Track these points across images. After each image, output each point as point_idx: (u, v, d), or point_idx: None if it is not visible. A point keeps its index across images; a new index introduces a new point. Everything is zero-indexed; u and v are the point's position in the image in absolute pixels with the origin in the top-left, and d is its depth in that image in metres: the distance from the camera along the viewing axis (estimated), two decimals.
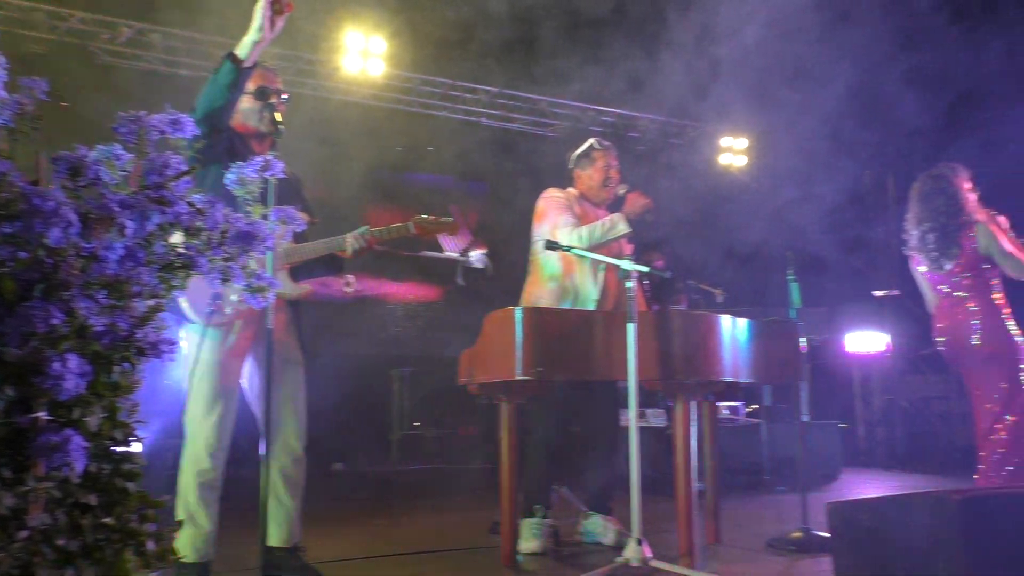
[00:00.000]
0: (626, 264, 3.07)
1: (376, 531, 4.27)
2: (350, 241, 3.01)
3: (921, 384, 9.27)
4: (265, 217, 1.73)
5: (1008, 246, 3.94)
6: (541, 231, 3.71)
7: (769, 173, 10.12)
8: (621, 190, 3.77)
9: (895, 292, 8.21)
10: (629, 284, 2.98)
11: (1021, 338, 3.94)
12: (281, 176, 1.94)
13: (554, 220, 3.68)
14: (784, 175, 9.90)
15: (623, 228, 3.59)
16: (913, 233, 4.20)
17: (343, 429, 6.88)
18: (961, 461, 7.29)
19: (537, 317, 3.02)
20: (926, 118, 6.98)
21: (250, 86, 2.88)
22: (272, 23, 2.65)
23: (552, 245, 3.38)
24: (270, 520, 2.66)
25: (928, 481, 6.45)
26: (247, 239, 1.55)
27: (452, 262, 3.71)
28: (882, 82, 6.73)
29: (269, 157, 1.85)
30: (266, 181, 1.89)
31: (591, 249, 3.50)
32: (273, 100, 2.87)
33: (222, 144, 2.77)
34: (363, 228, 3.06)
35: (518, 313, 2.98)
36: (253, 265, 1.62)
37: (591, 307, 3.62)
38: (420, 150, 8.95)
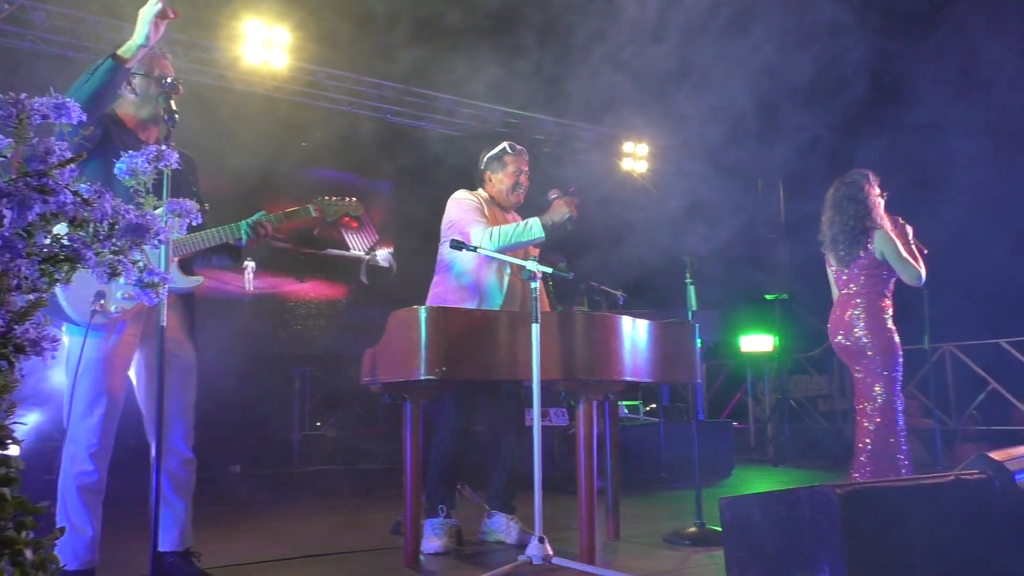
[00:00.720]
0: (531, 265, 3.10)
1: (275, 534, 4.16)
2: (245, 229, 2.92)
3: (808, 383, 9.75)
4: (158, 210, 1.65)
5: (904, 253, 4.19)
6: (450, 231, 3.69)
7: (669, 179, 10.42)
8: (552, 195, 3.69)
9: (784, 295, 8.58)
10: (534, 284, 3.01)
11: (898, 342, 4.19)
12: (176, 167, 1.85)
13: (465, 220, 3.66)
14: (683, 181, 10.22)
15: (538, 233, 3.54)
16: (827, 235, 4.41)
17: (241, 430, 6.68)
18: (845, 457, 7.70)
19: (442, 316, 3.01)
20: (818, 128, 7.35)
21: (140, 71, 2.76)
22: (157, 27, 2.56)
23: (458, 245, 3.38)
24: (160, 524, 2.55)
25: (814, 476, 6.76)
26: (138, 232, 1.48)
27: (356, 260, 3.65)
28: (777, 92, 7.02)
29: (163, 147, 1.77)
30: (160, 172, 1.81)
31: (503, 251, 3.51)
32: (166, 87, 2.75)
33: (95, 137, 2.63)
34: (259, 214, 2.97)
35: (423, 312, 2.97)
36: (143, 259, 1.55)
37: (496, 307, 3.63)
38: (324, 145, 8.77)
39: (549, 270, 3.16)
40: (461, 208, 3.72)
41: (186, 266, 2.91)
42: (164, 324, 2.44)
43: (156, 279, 1.56)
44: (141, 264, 1.53)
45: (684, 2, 6.26)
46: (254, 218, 2.96)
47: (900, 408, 4.14)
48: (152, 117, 2.86)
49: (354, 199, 3.23)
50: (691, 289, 4.02)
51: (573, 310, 3.57)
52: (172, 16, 2.57)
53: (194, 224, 2.22)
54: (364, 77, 8.72)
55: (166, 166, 2.09)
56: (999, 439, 7.58)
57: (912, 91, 7.45)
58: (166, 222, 2.08)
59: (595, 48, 7.01)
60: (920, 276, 4.18)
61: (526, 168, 3.86)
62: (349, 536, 3.94)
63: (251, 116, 7.87)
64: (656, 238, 9.06)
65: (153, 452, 2.53)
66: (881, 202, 4.34)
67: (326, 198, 3.15)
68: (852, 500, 2.15)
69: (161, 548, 2.74)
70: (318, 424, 8.14)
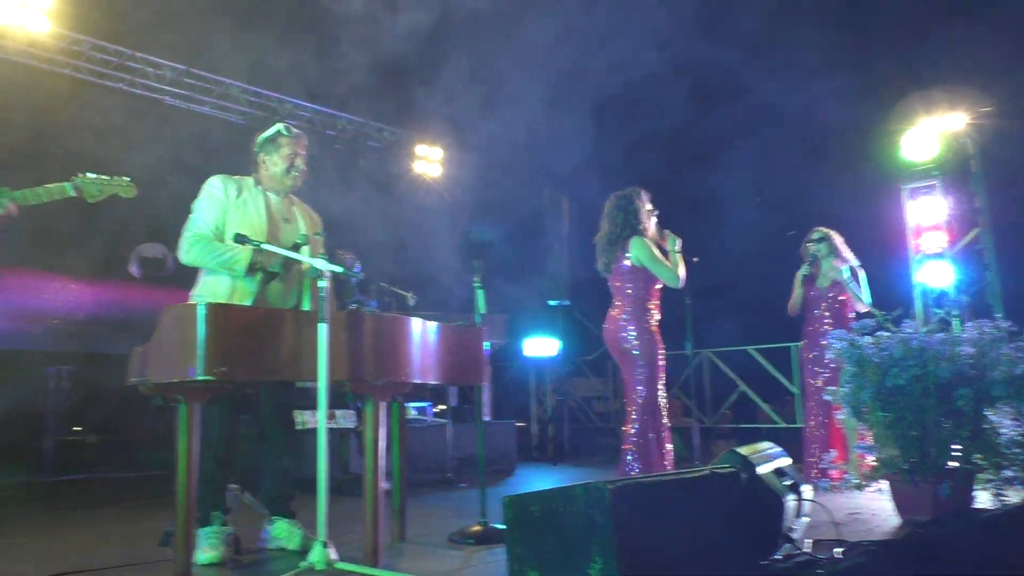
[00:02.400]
0: (319, 263, 3.02)
1: (19, 551, 3.71)
2: None
3: (585, 385, 10.32)
4: None
5: (658, 256, 4.54)
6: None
7: (460, 184, 10.60)
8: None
9: (566, 302, 9.02)
10: (322, 283, 2.94)
11: (661, 347, 4.54)
12: None
13: (194, 215, 3.47)
14: (474, 188, 10.45)
15: (239, 272, 3.37)
16: (599, 244, 4.69)
17: None
18: (618, 454, 8.22)
19: (222, 313, 2.85)
20: (604, 143, 7.81)
21: None
22: None
23: (241, 239, 3.24)
24: None
25: (590, 473, 7.14)
26: None
27: (124, 250, 3.36)
28: (567, 107, 7.38)
29: None
30: None
31: (193, 263, 3.43)
32: None
33: None
34: (1, 190, 2.63)
35: (201, 308, 2.79)
36: None
37: (248, 303, 3.44)
38: (89, 124, 7.99)
39: (340, 269, 3.09)
40: (200, 199, 3.50)
41: None
42: None
43: None
44: None
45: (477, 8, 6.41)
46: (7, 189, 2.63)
47: (662, 406, 4.49)
48: None
49: (126, 179, 2.95)
50: (480, 293, 4.11)
51: (363, 310, 3.52)
52: None
53: None
54: (140, 53, 8.08)
55: None
56: (747, 436, 8.47)
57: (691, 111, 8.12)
58: None
59: (394, 47, 6.98)
60: (678, 278, 4.55)
61: (303, 151, 3.68)
62: (110, 551, 3.61)
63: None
64: (446, 242, 9.19)
65: None
66: (652, 218, 4.69)
67: (90, 176, 2.84)
68: (622, 495, 2.29)
69: None
70: (76, 429, 7.39)
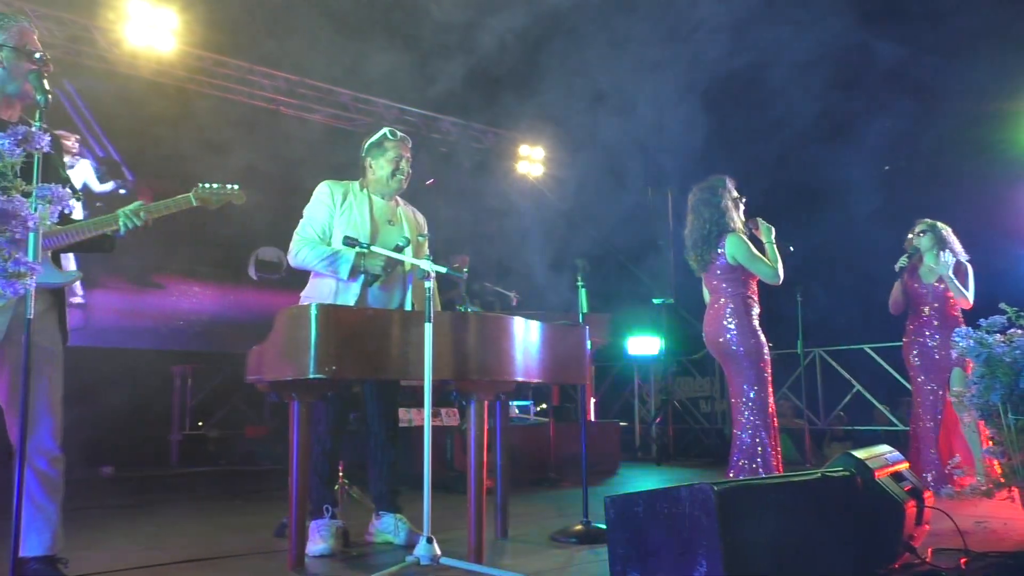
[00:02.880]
0: (425, 264, 3.09)
1: (149, 539, 3.97)
2: (123, 220, 2.81)
3: (691, 384, 10.12)
4: (27, 195, 1.55)
5: (755, 252, 4.40)
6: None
7: (563, 184, 10.60)
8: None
9: (671, 300, 8.87)
10: (428, 284, 3.00)
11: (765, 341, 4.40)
12: (47, 151, 1.75)
13: (304, 219, 3.66)
14: (576, 187, 10.42)
15: (342, 273, 3.50)
16: (688, 240, 4.57)
17: (115, 430, 6.35)
18: (724, 455, 8.03)
19: (332, 314, 2.95)
20: (705, 138, 7.63)
21: (9, 44, 2.59)
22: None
23: (350, 242, 3.37)
24: (26, 528, 2.46)
25: (695, 474, 7.01)
26: (3, 218, 1.39)
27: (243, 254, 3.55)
28: (669, 103, 7.26)
29: (33, 128, 1.66)
30: (29, 155, 1.70)
31: (301, 267, 3.59)
32: (38, 63, 2.59)
33: None
34: (136, 204, 2.85)
35: (313, 309, 2.90)
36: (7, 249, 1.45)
37: (351, 302, 3.54)
38: (210, 135, 8.45)
39: (443, 269, 3.15)
40: (311, 203, 3.70)
41: (59, 259, 2.78)
42: (30, 316, 2.28)
43: (23, 268, 1.47)
44: (5, 253, 1.44)
45: (587, 11, 6.39)
46: (131, 208, 2.84)
47: (771, 407, 4.34)
48: (18, 94, 2.69)
49: (236, 186, 3.13)
50: (582, 292, 4.10)
51: (466, 310, 3.58)
52: None
53: (66, 212, 2.10)
54: (257, 66, 8.47)
55: (37, 148, 1.97)
56: (863, 438, 8.10)
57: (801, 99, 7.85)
58: (35, 208, 1.97)
59: (497, 51, 7.04)
60: (776, 274, 4.38)
61: (407, 155, 3.79)
62: (231, 540, 3.80)
63: (128, 100, 7.52)
64: (549, 241, 9.20)
65: (17, 451, 2.38)
66: (739, 207, 4.54)
67: (207, 185, 3.04)
68: (728, 497, 2.24)
69: (27, 553, 2.59)
70: (199, 424, 7.83)
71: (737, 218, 4.48)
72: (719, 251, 4.40)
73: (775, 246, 4.44)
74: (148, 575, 3.06)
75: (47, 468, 2.66)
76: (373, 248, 3.42)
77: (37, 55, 2.62)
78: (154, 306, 7.96)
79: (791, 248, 4.54)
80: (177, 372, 7.38)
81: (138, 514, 4.76)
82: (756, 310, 4.44)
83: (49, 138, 2.10)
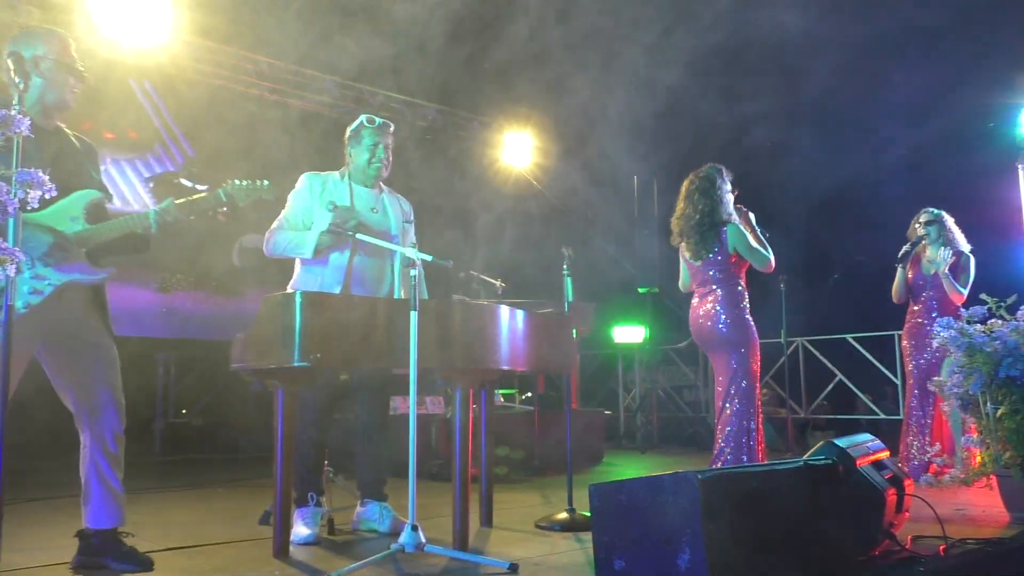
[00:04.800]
0: (409, 252, 3.08)
1: (131, 527, 3.94)
2: (155, 218, 2.89)
3: (675, 374, 10.17)
4: (7, 180, 1.53)
5: (754, 242, 4.42)
6: None
7: (549, 172, 10.59)
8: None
9: (656, 289, 8.89)
10: (413, 272, 2.99)
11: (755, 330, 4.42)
12: (28, 135, 1.73)
13: (284, 211, 3.67)
14: (563, 174, 10.42)
15: (306, 253, 3.53)
16: (679, 227, 4.58)
17: None
18: (708, 444, 8.08)
19: (317, 302, 2.94)
20: (692, 125, 7.64)
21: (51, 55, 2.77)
22: None
23: (335, 210, 3.39)
24: (94, 501, 2.79)
25: (679, 462, 7.05)
26: None
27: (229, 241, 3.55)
28: (654, 91, 7.25)
29: (12, 112, 1.64)
30: (8, 139, 1.68)
31: (275, 256, 3.62)
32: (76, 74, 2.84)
33: None
34: (167, 202, 2.92)
35: (298, 297, 2.89)
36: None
37: (336, 290, 3.55)
38: (192, 120, 8.37)
39: (429, 257, 3.14)
40: (290, 195, 3.70)
41: (94, 257, 2.85)
42: (9, 303, 2.23)
43: (3, 255, 1.45)
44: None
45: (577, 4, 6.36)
46: (162, 206, 2.92)
47: (757, 396, 4.37)
48: (57, 104, 2.83)
49: (266, 182, 3.12)
50: (568, 280, 4.10)
51: (451, 298, 3.57)
52: None
53: (47, 197, 2.09)
54: (237, 50, 8.39)
55: (16, 132, 1.95)
56: (844, 427, 8.18)
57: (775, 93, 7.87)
58: (15, 194, 1.95)
59: (483, 40, 7.01)
60: (770, 261, 4.42)
61: (387, 141, 3.76)
62: (214, 528, 3.79)
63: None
64: (535, 229, 9.20)
65: (87, 436, 2.78)
66: (731, 197, 4.56)
67: (236, 182, 3.04)
68: (712, 485, 2.25)
69: (97, 526, 2.82)
70: (183, 412, 7.80)
71: (732, 208, 4.50)
72: (720, 241, 4.40)
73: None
74: None
75: (114, 447, 2.84)
76: (358, 236, 3.41)
77: (79, 67, 2.81)
78: (137, 293, 7.89)
79: (767, 234, 4.57)
80: (160, 360, 7.34)
81: None
82: (746, 299, 4.46)
83: (29, 122, 2.08)
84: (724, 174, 4.52)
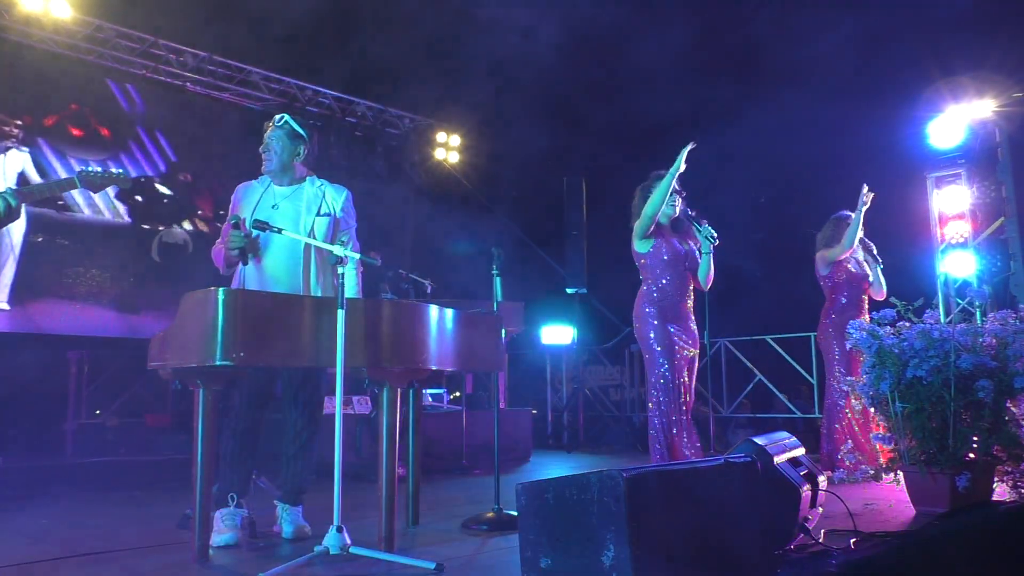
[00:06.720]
0: (337, 249, 3.04)
1: (41, 533, 3.78)
2: (7, 199, 2.77)
3: (601, 373, 10.31)
4: None
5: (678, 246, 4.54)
6: None
7: (479, 171, 10.59)
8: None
9: (583, 289, 8.98)
10: (341, 270, 2.95)
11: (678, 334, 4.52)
12: None
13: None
14: (493, 175, 10.44)
15: (222, 270, 3.54)
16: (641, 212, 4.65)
17: (3, 419, 6.03)
18: (634, 443, 8.22)
19: (241, 299, 2.87)
20: (619, 129, 7.76)
21: None
22: None
23: (261, 225, 3.27)
24: None
25: (605, 461, 7.14)
26: None
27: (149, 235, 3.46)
28: (582, 92, 7.34)
29: None
30: None
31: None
32: None
33: None
34: (9, 187, 2.80)
35: (220, 294, 2.81)
36: None
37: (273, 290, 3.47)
38: (108, 109, 8.05)
39: (357, 255, 3.11)
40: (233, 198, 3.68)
41: None
42: None
43: None
44: None
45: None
46: (5, 190, 2.83)
47: (682, 393, 4.46)
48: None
49: (121, 172, 3.13)
50: (497, 280, 4.11)
51: (379, 297, 3.54)
52: None
53: None
54: (163, 40, 8.13)
55: None
56: (763, 425, 8.43)
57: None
58: None
59: (414, 37, 6.97)
60: (705, 280, 4.57)
61: (275, 133, 3.63)
62: (130, 533, 3.66)
63: (16, 68, 7.11)
64: (465, 229, 9.19)
65: None
66: (678, 202, 4.64)
67: (90, 170, 3.05)
68: (636, 483, 2.29)
69: None
70: (97, 412, 7.50)
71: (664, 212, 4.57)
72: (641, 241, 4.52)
73: (709, 257, 4.59)
74: (40, 570, 2.92)
75: None
76: (286, 233, 3.33)
77: None
78: (48, 288, 7.55)
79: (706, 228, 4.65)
80: (73, 358, 7.04)
81: (29, 507, 4.52)
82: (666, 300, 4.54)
83: None
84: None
